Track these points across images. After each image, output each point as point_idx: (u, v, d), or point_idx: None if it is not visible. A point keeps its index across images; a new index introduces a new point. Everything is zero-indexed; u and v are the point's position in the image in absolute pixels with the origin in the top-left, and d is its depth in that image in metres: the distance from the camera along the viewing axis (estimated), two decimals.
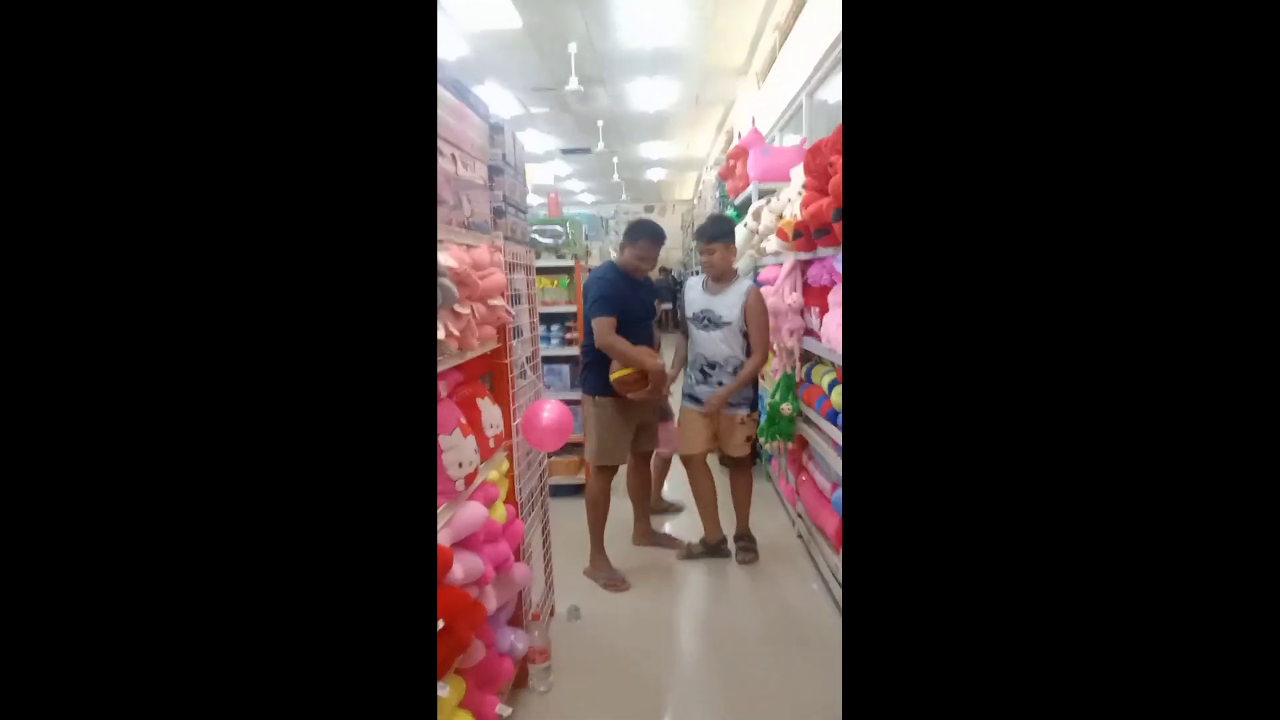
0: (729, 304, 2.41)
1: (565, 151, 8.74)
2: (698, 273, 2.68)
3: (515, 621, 1.77)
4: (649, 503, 2.78)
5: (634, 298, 2.44)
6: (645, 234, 2.44)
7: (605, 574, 2.42)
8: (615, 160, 9.07)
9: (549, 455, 2.17)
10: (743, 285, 2.44)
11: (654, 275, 3.31)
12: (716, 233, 2.47)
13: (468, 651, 1.37)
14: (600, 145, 7.38)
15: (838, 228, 1.78)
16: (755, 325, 2.41)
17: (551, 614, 2.13)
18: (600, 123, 7.01)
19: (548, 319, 3.21)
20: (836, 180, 1.72)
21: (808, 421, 2.57)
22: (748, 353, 2.42)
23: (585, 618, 2.14)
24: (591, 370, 2.40)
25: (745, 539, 2.58)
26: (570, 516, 2.77)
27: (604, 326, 2.32)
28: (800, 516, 2.71)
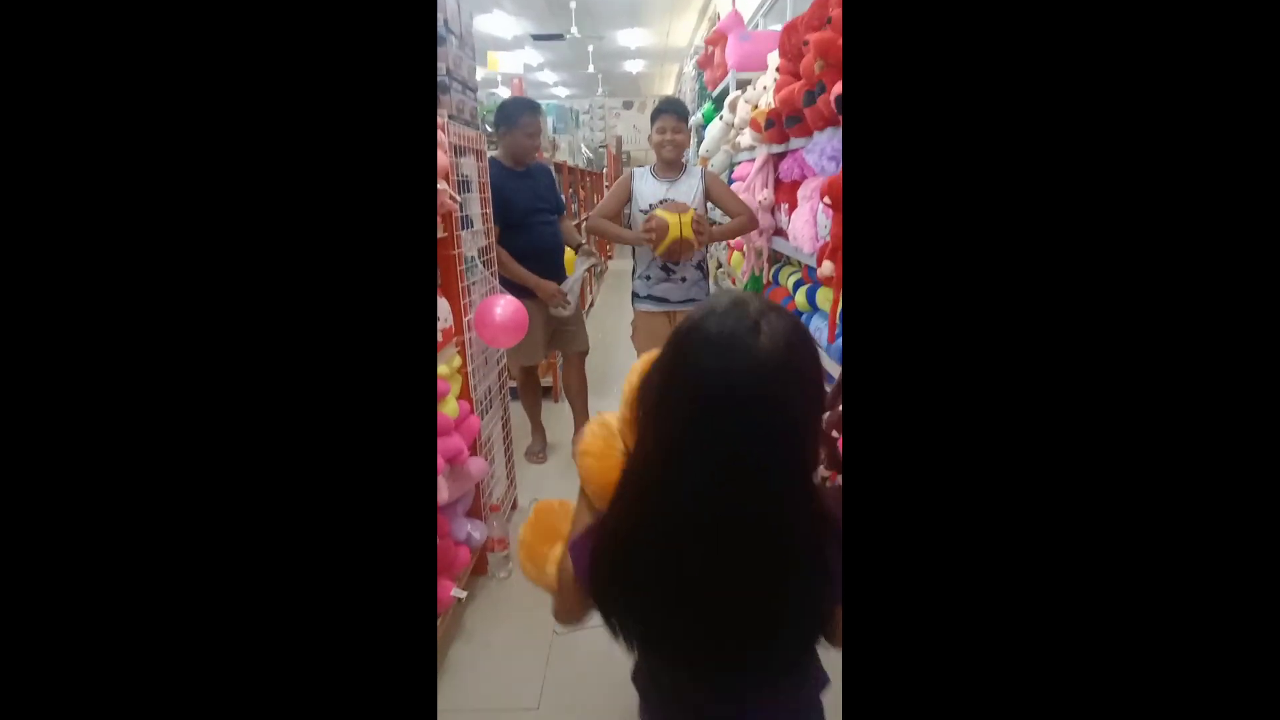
0: (688, 190, 2.28)
1: (536, 38, 8.10)
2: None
3: (474, 513, 1.80)
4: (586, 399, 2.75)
5: (520, 192, 2.24)
6: (519, 112, 2.22)
7: (531, 446, 2.59)
8: (591, 50, 8.46)
9: (506, 354, 2.15)
10: (695, 170, 2.32)
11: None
12: (685, 111, 2.29)
13: None
14: (574, 30, 6.84)
15: (810, 113, 1.67)
16: (726, 195, 2.32)
17: (514, 507, 2.18)
18: (572, 3, 6.45)
19: None
20: (808, 61, 1.59)
21: None
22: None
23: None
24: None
25: None
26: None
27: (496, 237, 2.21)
28: None
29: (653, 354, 0.60)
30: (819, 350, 0.57)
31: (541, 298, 2.26)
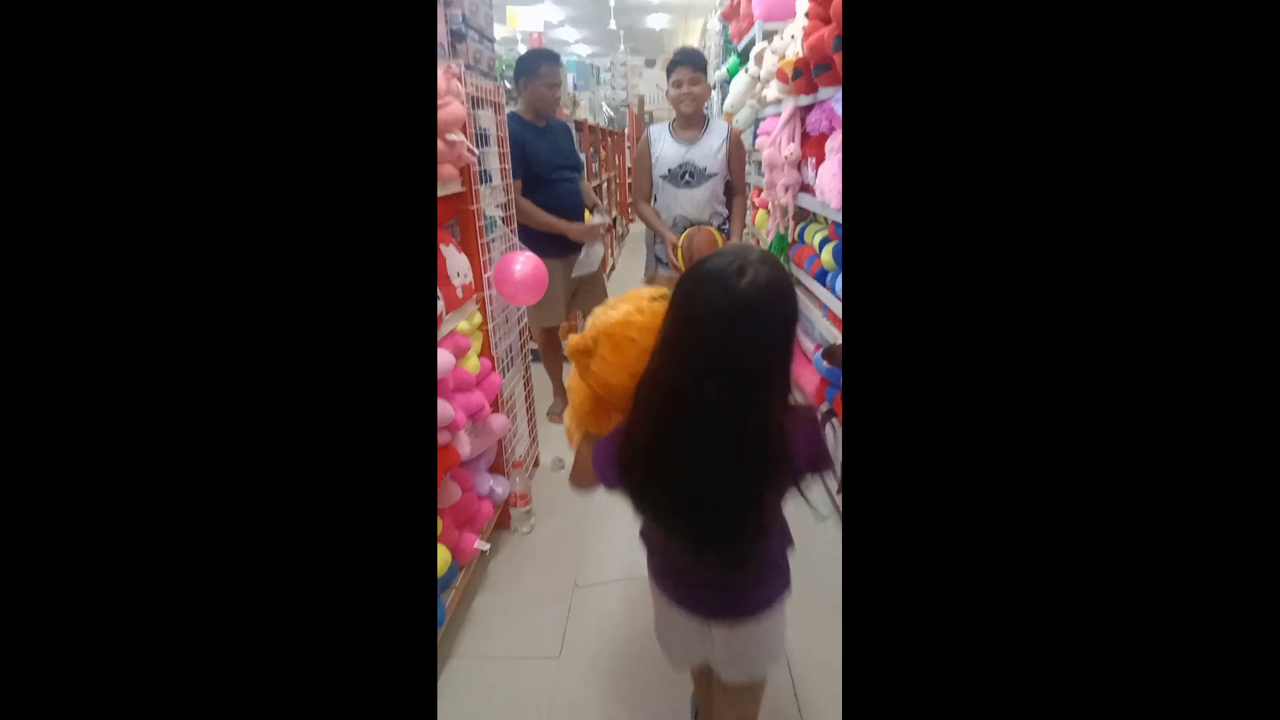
0: (710, 151, 2.15)
1: None
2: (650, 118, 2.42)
3: (497, 469, 1.82)
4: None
5: (541, 148, 2.18)
6: (539, 62, 2.14)
7: (553, 405, 2.58)
8: (612, 4, 8.20)
9: (527, 314, 2.15)
10: (719, 127, 2.17)
11: None
12: (703, 62, 2.13)
13: (440, 492, 1.41)
14: None
15: (838, 59, 1.59)
16: (738, 167, 2.24)
17: (536, 464, 2.21)
18: None
19: None
20: (838, 4, 1.51)
21: (796, 283, 2.51)
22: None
23: (569, 468, 2.22)
24: (520, 230, 2.22)
25: None
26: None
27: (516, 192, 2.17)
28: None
29: (634, 293, 0.83)
30: (795, 301, 0.71)
31: (574, 238, 2.20)
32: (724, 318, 0.67)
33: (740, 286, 0.67)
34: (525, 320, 2.07)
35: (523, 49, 3.24)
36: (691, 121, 2.16)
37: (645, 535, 0.91)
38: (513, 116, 2.19)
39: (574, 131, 2.45)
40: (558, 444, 2.38)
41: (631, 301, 0.83)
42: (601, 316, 0.83)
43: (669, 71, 2.15)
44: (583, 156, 2.40)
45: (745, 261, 0.68)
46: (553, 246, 2.24)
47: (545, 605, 1.60)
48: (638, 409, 0.76)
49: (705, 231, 2.11)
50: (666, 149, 2.20)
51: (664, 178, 2.19)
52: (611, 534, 1.86)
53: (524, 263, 1.65)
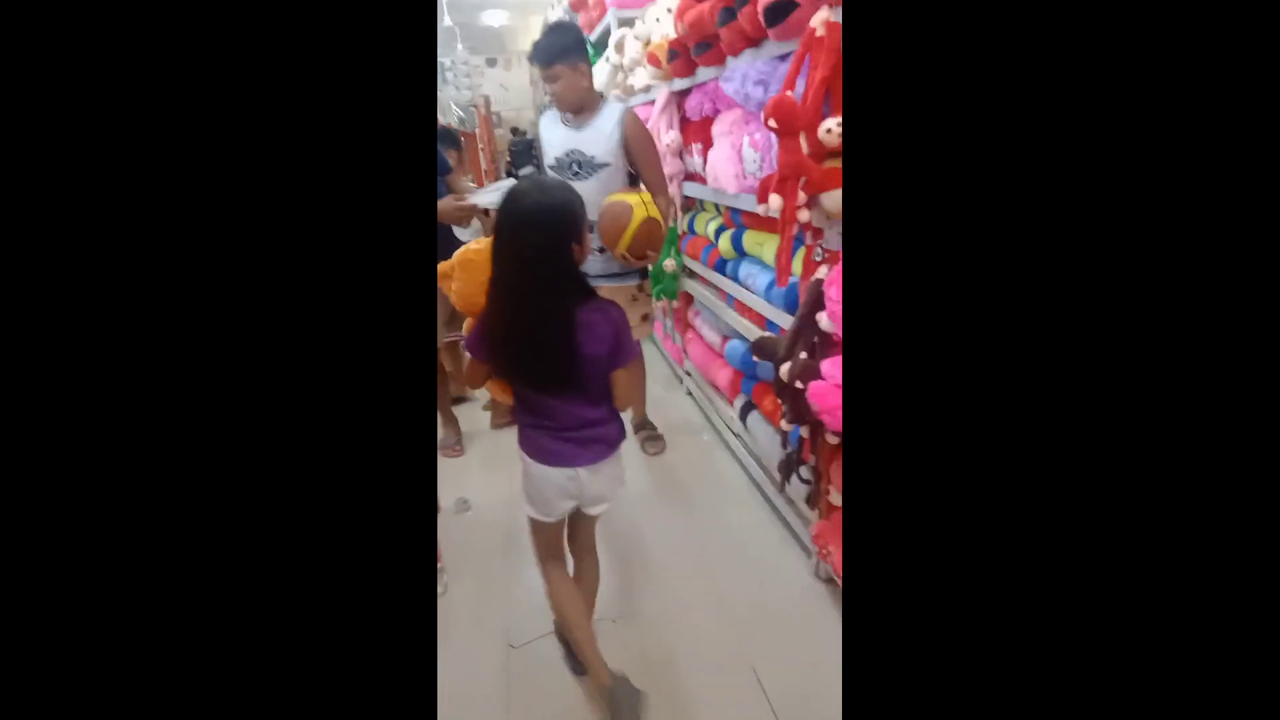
0: (600, 136, 1.77)
1: None
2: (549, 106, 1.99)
3: None
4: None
5: None
6: None
7: (444, 438, 2.33)
8: (444, 1, 7.72)
9: None
10: (613, 109, 1.80)
11: (500, 135, 2.60)
12: (555, 48, 1.71)
13: None
14: None
15: (727, 34, 1.50)
16: (644, 159, 1.79)
17: (437, 510, 1.93)
18: None
19: None
20: None
21: (691, 275, 2.43)
22: None
23: (476, 508, 1.97)
24: None
25: (646, 427, 2.27)
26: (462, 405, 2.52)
27: None
28: (689, 374, 2.65)
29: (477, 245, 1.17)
30: (566, 216, 1.03)
31: (443, 219, 1.83)
32: (516, 227, 1.01)
33: (524, 205, 1.01)
34: None
35: None
36: (580, 107, 1.80)
37: (517, 417, 1.20)
38: None
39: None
40: (457, 481, 2.11)
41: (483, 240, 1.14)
42: (459, 251, 1.19)
43: (535, 58, 1.77)
44: (445, 157, 2.11)
45: (531, 188, 1.03)
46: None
47: (479, 673, 1.37)
48: (486, 301, 1.08)
49: (615, 206, 1.59)
50: (552, 134, 1.88)
51: (551, 168, 1.90)
52: (536, 581, 1.65)
53: None
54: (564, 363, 1.05)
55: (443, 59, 6.79)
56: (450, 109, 5.05)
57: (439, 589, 1.61)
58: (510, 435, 2.44)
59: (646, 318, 2.04)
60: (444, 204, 1.83)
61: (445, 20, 8.36)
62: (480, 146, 6.68)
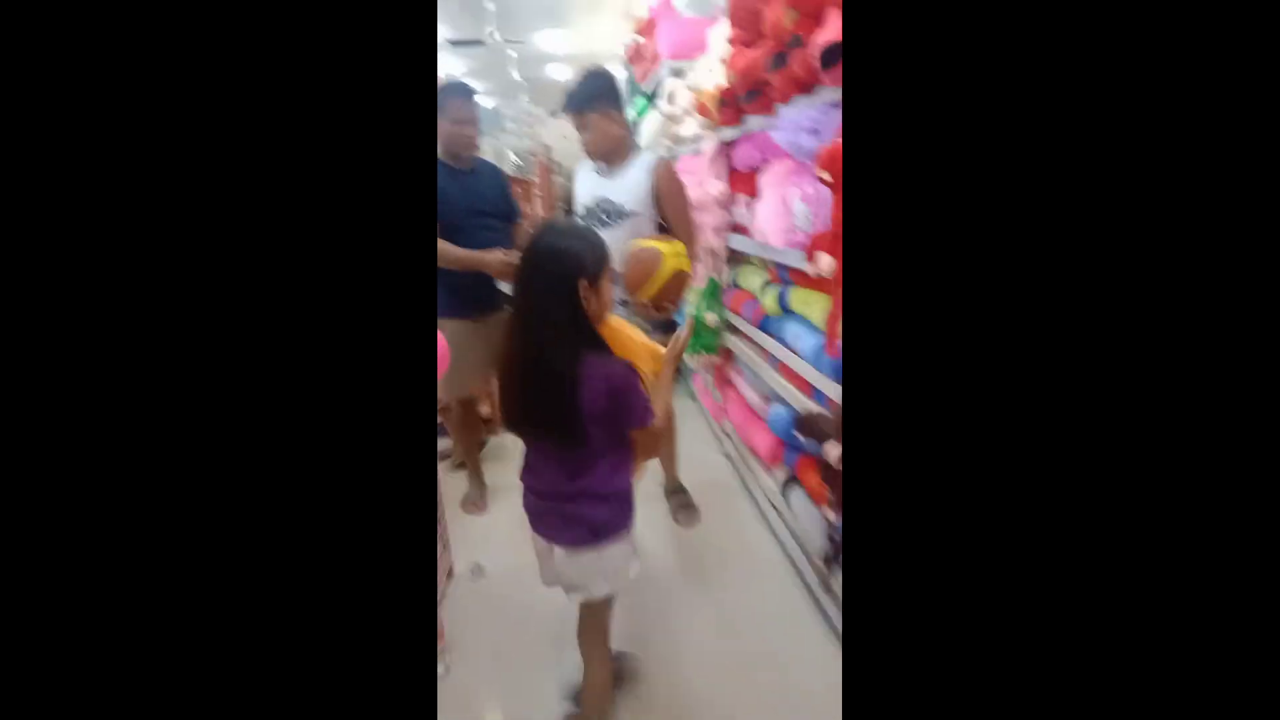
0: (631, 185, 1.70)
1: (454, 43, 7.68)
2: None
3: None
4: None
5: (455, 192, 1.85)
6: (445, 97, 1.83)
7: (469, 494, 2.21)
8: (514, 56, 8.10)
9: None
10: (644, 159, 1.72)
11: (560, 183, 2.45)
12: (586, 96, 1.67)
13: None
14: (491, 31, 6.47)
15: (780, 80, 1.40)
16: (673, 209, 1.71)
17: (449, 575, 1.80)
18: (490, 4, 6.08)
19: None
20: (774, 15, 1.32)
21: (734, 331, 2.28)
22: None
23: (491, 575, 1.83)
24: (440, 287, 1.83)
25: (679, 493, 2.08)
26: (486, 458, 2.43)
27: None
28: (727, 434, 2.48)
29: None
30: (571, 261, 0.95)
31: (493, 273, 1.84)
32: (526, 266, 0.96)
33: (537, 245, 0.96)
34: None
35: None
36: (611, 155, 1.75)
37: (520, 473, 1.12)
38: None
39: (504, 176, 2.05)
40: (479, 542, 1.99)
41: None
42: None
43: (568, 106, 1.73)
44: (517, 204, 2.04)
45: (548, 230, 0.98)
46: (470, 301, 1.90)
47: None
48: (503, 341, 1.04)
49: (645, 252, 1.42)
50: (584, 183, 1.85)
51: (580, 217, 1.83)
52: (548, 656, 1.49)
53: None
54: (556, 413, 0.97)
55: (504, 109, 7.06)
56: (507, 156, 5.18)
57: (439, 670, 1.47)
58: None
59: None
60: (492, 257, 1.79)
61: (515, 75, 8.75)
62: (537, 193, 6.83)
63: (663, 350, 1.15)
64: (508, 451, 2.54)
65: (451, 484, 2.26)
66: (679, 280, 1.42)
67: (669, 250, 1.42)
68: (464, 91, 1.89)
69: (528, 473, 1.08)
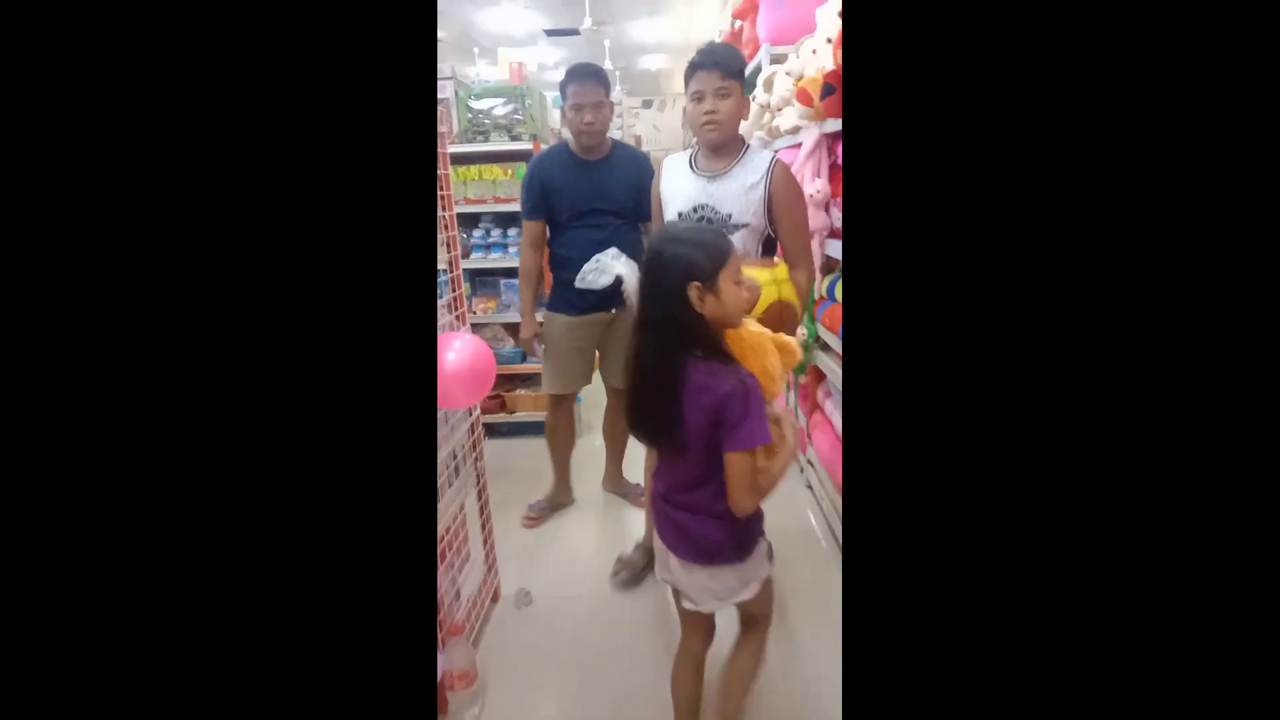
0: (739, 191, 1.34)
1: (549, 33, 7.67)
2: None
3: None
4: (625, 444, 2.17)
5: (576, 186, 1.72)
6: (565, 81, 1.71)
7: (542, 502, 2.10)
8: (607, 45, 7.99)
9: (543, 378, 1.91)
10: (759, 158, 1.37)
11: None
12: (736, 62, 1.33)
13: None
14: (588, 21, 6.38)
15: None
16: (789, 222, 1.36)
17: (494, 599, 1.68)
18: None
19: (504, 220, 2.59)
20: None
21: (826, 348, 2.02)
22: None
23: (538, 602, 1.69)
24: (555, 284, 1.91)
25: None
26: (531, 459, 2.31)
27: (522, 238, 1.84)
28: (810, 463, 2.22)
29: None
30: (682, 265, 0.92)
31: (520, 344, 1.88)
32: (645, 268, 0.98)
33: (652, 246, 0.98)
34: (475, 414, 1.57)
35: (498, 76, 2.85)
36: (722, 149, 1.38)
37: (652, 476, 1.11)
38: (551, 149, 1.82)
39: (648, 168, 1.80)
40: (525, 566, 1.85)
41: None
42: None
43: (686, 80, 1.38)
44: (649, 203, 1.67)
45: (667, 230, 1.00)
46: (575, 297, 1.79)
47: None
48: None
49: (780, 309, 1.21)
50: (679, 184, 1.43)
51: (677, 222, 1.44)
52: (591, 699, 1.33)
53: (460, 350, 1.17)
54: (658, 420, 0.97)
55: None
56: None
57: (473, 711, 1.34)
58: (611, 509, 2.20)
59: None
60: (525, 324, 1.90)
61: (607, 64, 8.67)
62: None
63: (800, 355, 1.07)
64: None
65: (498, 499, 2.15)
66: (780, 311, 1.18)
67: (768, 279, 1.18)
68: (582, 74, 1.72)
69: (656, 474, 1.07)
